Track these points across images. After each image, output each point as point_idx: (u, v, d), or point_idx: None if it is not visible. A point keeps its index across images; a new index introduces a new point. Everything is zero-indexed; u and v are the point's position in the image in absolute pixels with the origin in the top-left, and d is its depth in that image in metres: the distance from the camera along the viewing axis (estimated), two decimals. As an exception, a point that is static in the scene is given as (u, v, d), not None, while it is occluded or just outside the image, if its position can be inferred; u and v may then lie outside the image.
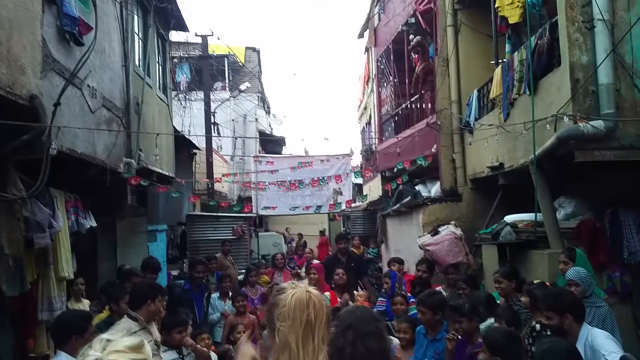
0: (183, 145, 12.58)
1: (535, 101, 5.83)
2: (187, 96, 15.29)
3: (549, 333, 4.00)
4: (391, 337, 5.05)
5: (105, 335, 1.56)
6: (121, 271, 6.63)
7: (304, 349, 1.72)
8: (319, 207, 14.19)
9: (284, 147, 26.55)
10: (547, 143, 5.38)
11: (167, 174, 9.61)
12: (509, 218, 6.64)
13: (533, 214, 6.12)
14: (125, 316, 4.03)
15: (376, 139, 15.12)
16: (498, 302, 5.11)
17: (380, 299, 6.79)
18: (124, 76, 7.44)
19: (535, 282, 4.80)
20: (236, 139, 19.56)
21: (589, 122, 4.94)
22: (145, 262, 6.59)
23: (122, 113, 7.25)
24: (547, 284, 4.72)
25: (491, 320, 4.47)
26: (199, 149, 14.24)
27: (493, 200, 8.25)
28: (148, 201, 9.60)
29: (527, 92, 6.06)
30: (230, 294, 7.04)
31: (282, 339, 1.72)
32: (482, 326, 4.31)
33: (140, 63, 8.55)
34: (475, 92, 8.41)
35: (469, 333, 4.12)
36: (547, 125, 5.39)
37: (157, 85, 9.84)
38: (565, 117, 5.13)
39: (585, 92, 5.12)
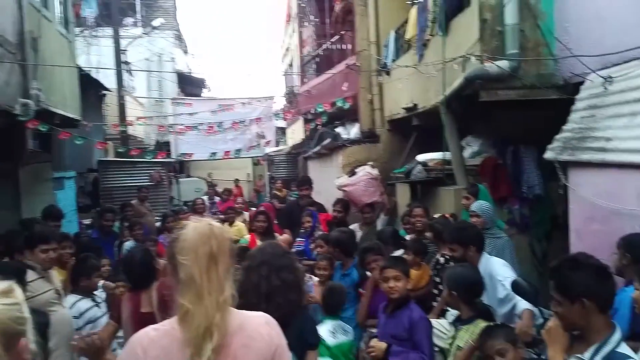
0: (91, 86, 11.81)
1: (446, 42, 5.92)
2: (93, 33, 14.25)
3: (452, 265, 4.25)
4: (311, 275, 5.19)
5: None
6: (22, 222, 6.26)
7: (209, 281, 1.68)
8: (238, 150, 14.01)
9: (204, 89, 25.73)
10: (455, 83, 5.51)
11: (72, 116, 9.02)
12: (420, 157, 6.86)
13: (442, 153, 6.35)
14: None
15: (298, 81, 14.96)
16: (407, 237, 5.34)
17: (298, 239, 6.89)
18: (16, 7, 6.76)
19: (436, 215, 5.02)
20: (161, 82, 18.64)
21: (495, 62, 5.08)
22: (46, 210, 6.27)
23: (15, 49, 6.63)
24: (447, 215, 4.94)
25: (400, 251, 4.68)
26: (109, 90, 13.44)
27: (408, 141, 8.47)
28: (53, 146, 9.05)
29: (440, 33, 6.13)
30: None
31: (187, 272, 1.68)
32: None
33: (36, -7, 7.80)
34: (393, 33, 8.42)
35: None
36: (455, 66, 5.50)
37: (58, 19, 9.06)
38: (472, 57, 5.25)
39: (492, 32, 5.23)
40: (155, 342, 1.65)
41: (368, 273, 4.44)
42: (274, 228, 6.67)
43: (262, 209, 7.62)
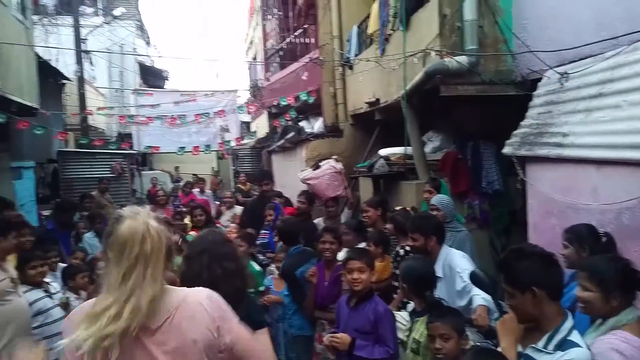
0: (50, 75, 11.48)
1: (407, 37, 5.96)
2: (53, 20, 13.82)
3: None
4: (272, 267, 5.18)
5: None
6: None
7: (124, 282, 1.65)
8: (208, 146, 13.82)
9: (167, 81, 25.27)
10: (416, 78, 5.55)
11: (30, 104, 8.74)
12: (383, 152, 6.90)
13: (404, 148, 6.41)
14: None
15: (262, 74, 14.85)
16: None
17: (262, 231, 6.85)
18: (-33, -9, 6.49)
19: (397, 208, 5.06)
20: (122, 73, 18.11)
21: (454, 57, 5.14)
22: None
23: (-33, 34, 6.38)
24: (408, 208, 4.99)
25: (363, 244, 4.70)
26: (69, 80, 13.07)
27: (371, 135, 8.52)
28: (10, 135, 8.78)
29: (401, 28, 6.17)
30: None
31: (107, 269, 1.67)
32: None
33: (-11, -22, 7.52)
34: (355, 27, 8.44)
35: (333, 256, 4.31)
36: (415, 59, 5.56)
37: (14, 4, 8.74)
38: (432, 52, 5.30)
39: (452, 28, 5.29)
40: None
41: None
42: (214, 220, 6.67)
43: (199, 203, 7.64)
